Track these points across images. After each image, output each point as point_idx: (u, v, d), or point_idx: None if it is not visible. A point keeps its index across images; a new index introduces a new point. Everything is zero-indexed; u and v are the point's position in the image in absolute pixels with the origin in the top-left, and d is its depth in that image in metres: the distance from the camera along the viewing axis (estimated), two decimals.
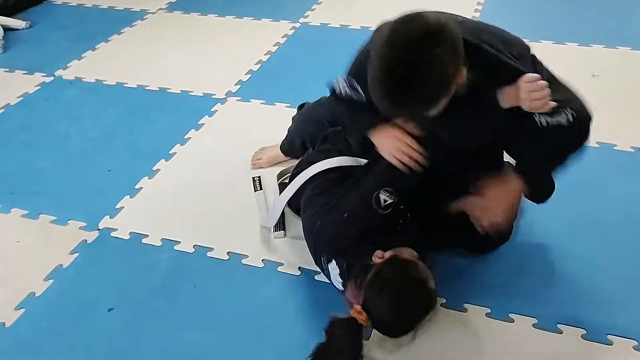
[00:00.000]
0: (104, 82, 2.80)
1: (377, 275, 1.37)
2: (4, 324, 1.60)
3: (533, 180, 1.44)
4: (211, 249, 1.80)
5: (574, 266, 1.67)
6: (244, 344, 1.50)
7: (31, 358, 1.51)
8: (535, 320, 1.51)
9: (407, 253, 1.45)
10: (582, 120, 1.32)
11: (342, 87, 1.49)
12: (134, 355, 1.50)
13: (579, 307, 1.54)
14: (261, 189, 2.00)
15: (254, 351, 1.49)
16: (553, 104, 1.26)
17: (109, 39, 3.23)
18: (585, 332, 1.48)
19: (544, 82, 1.24)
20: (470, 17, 1.59)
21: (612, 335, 1.46)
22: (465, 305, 1.57)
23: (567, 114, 1.27)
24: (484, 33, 1.34)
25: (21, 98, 2.70)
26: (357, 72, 1.44)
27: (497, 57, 1.28)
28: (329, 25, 3.22)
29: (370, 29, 2.94)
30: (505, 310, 1.54)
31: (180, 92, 2.67)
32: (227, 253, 1.78)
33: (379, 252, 1.42)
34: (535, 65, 1.39)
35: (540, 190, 1.52)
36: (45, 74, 2.90)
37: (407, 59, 1.16)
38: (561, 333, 1.48)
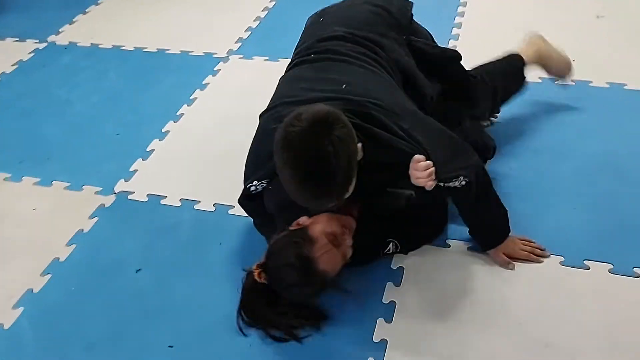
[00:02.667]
0: (100, 46, 2.73)
1: (275, 242, 1.40)
2: (32, 290, 1.59)
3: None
4: (232, 207, 1.78)
5: (596, 202, 1.69)
6: None
7: (66, 320, 1.51)
8: (562, 258, 1.54)
9: (326, 223, 1.40)
10: (477, 182, 1.41)
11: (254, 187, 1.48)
12: (168, 311, 1.50)
13: (605, 242, 1.57)
14: None
15: None
16: (433, 183, 1.31)
17: (99, 1, 3.14)
18: (613, 266, 1.51)
19: (426, 164, 1.29)
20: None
21: (639, 268, 1.50)
22: None
23: (459, 180, 1.37)
24: (375, 108, 1.34)
25: (16, 66, 2.63)
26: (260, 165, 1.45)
27: (389, 140, 1.32)
28: None
29: None
30: None
31: (180, 52, 2.62)
32: None
33: (301, 219, 1.42)
34: (428, 135, 1.38)
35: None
36: (37, 41, 2.81)
37: (310, 155, 1.17)
38: (589, 269, 1.51)
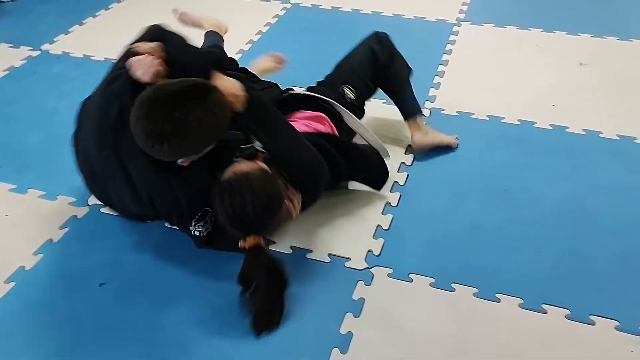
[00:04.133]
0: (92, 58, 2.77)
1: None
2: None
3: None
4: None
5: (560, 247, 1.71)
6: (234, 315, 1.52)
7: (21, 332, 1.51)
8: (521, 301, 1.55)
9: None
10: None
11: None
12: (125, 329, 1.51)
13: (564, 287, 1.59)
14: None
15: (244, 322, 1.50)
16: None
17: (97, 14, 3.19)
18: (569, 312, 1.52)
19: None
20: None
21: (594, 316, 1.51)
22: (453, 285, 1.60)
23: None
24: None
25: (7, 71, 2.66)
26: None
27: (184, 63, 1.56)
28: (320, 7, 3.21)
29: (361, 11, 2.94)
30: (492, 290, 1.58)
31: None
32: None
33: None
34: None
35: None
36: (31, 48, 2.85)
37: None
38: (546, 313, 1.52)
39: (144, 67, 1.50)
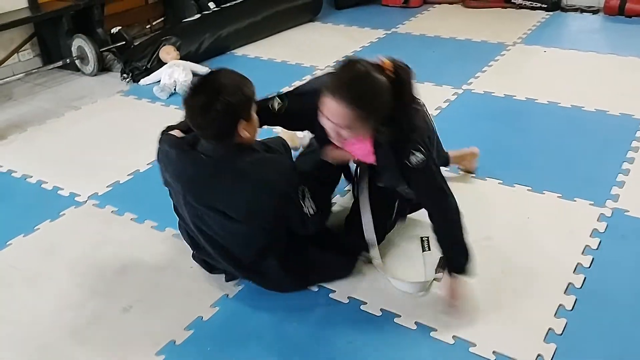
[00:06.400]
0: (514, 98, 3.08)
1: None
2: (175, 342, 1.74)
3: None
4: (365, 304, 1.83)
5: None
6: None
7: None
8: None
9: None
10: None
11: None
12: None
13: None
14: (429, 249, 2.00)
15: None
16: None
17: (487, 68, 3.55)
18: None
19: None
20: None
21: None
22: None
23: None
24: None
25: (447, 103, 3.10)
26: None
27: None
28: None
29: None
30: None
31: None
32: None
33: None
34: None
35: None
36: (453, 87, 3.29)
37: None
38: None
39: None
